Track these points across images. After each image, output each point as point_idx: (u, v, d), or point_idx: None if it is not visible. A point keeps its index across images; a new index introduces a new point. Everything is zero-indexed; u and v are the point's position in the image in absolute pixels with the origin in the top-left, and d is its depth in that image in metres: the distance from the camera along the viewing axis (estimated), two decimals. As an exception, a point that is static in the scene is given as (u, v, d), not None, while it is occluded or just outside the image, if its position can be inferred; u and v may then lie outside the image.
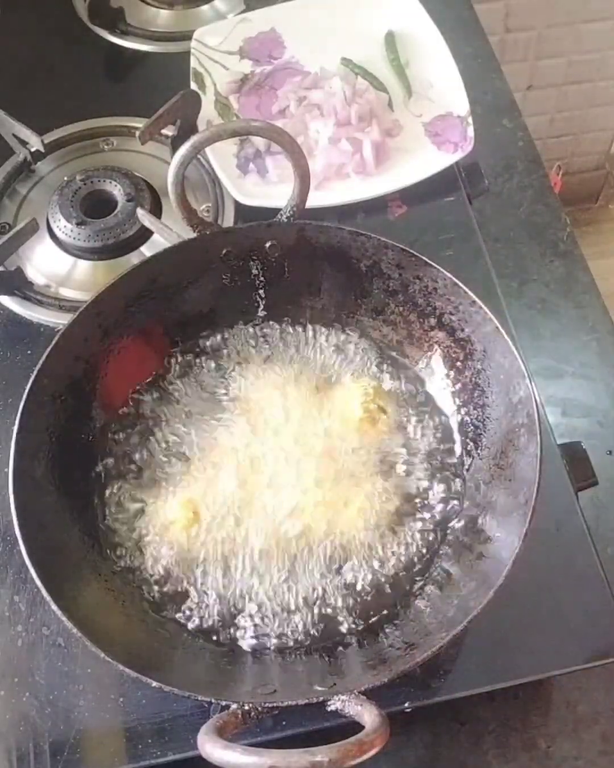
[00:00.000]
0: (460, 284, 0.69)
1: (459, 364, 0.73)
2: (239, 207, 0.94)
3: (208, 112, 0.98)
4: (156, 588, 0.68)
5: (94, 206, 0.92)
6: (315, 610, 0.67)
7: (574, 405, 0.94)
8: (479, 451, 0.71)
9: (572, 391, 0.95)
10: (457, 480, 0.72)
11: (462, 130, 0.95)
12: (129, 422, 0.75)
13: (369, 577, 0.68)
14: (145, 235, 0.92)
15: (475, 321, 0.69)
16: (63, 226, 0.91)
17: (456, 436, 0.73)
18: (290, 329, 0.79)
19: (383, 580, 0.68)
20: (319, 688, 0.58)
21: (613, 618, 0.70)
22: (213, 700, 0.56)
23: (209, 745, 0.48)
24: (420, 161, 0.94)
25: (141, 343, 0.76)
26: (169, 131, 0.95)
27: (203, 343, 0.79)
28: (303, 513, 0.69)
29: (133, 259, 0.91)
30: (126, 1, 1.13)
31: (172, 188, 0.69)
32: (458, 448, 0.73)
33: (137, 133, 0.91)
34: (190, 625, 0.67)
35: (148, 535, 0.70)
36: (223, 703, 0.54)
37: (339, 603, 0.67)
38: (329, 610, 0.67)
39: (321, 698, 0.54)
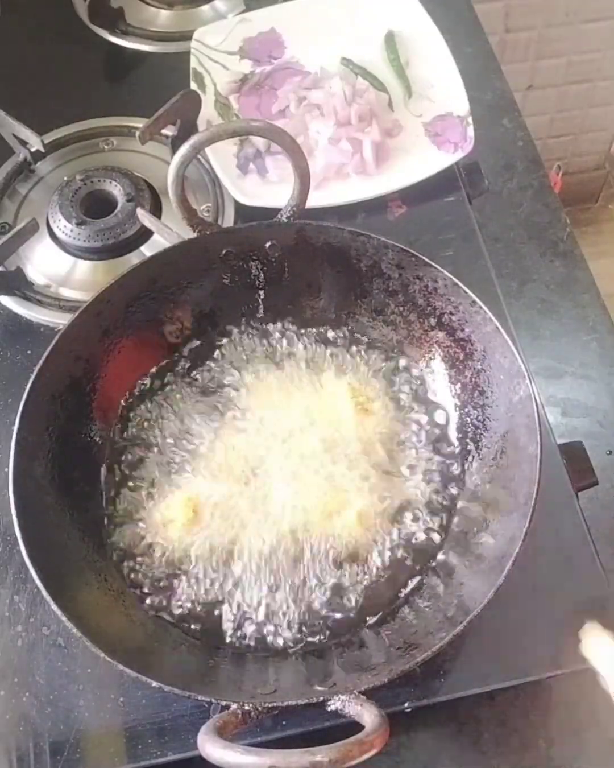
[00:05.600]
0: (460, 284, 0.69)
1: (459, 364, 0.73)
2: (239, 207, 0.94)
3: (208, 112, 0.98)
4: (156, 588, 0.68)
5: (94, 206, 0.92)
6: (316, 611, 0.67)
7: (574, 405, 0.94)
8: (479, 451, 0.71)
9: (572, 391, 0.95)
10: (457, 480, 0.72)
11: (462, 130, 0.95)
12: (129, 422, 0.75)
13: (369, 577, 0.68)
14: (145, 235, 0.92)
15: (475, 321, 0.69)
16: (63, 226, 0.91)
17: (456, 436, 0.73)
18: (290, 329, 0.79)
19: (383, 580, 0.68)
20: (319, 688, 0.58)
21: (613, 618, 0.70)
22: (213, 700, 0.56)
23: (209, 745, 0.48)
24: (420, 161, 0.94)
25: (141, 343, 0.76)
26: (169, 131, 0.95)
27: (203, 343, 0.79)
28: (303, 513, 0.69)
29: (133, 259, 0.91)
30: (126, 1, 1.13)
31: (172, 188, 0.69)
32: (458, 448, 0.73)
33: (137, 133, 0.91)
34: (190, 625, 0.67)
35: (148, 534, 0.70)
36: (223, 703, 0.54)
37: (339, 603, 0.67)
38: (329, 610, 0.67)
39: (321, 698, 0.54)
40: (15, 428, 0.64)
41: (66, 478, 0.68)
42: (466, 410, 0.73)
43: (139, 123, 0.95)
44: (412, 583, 0.68)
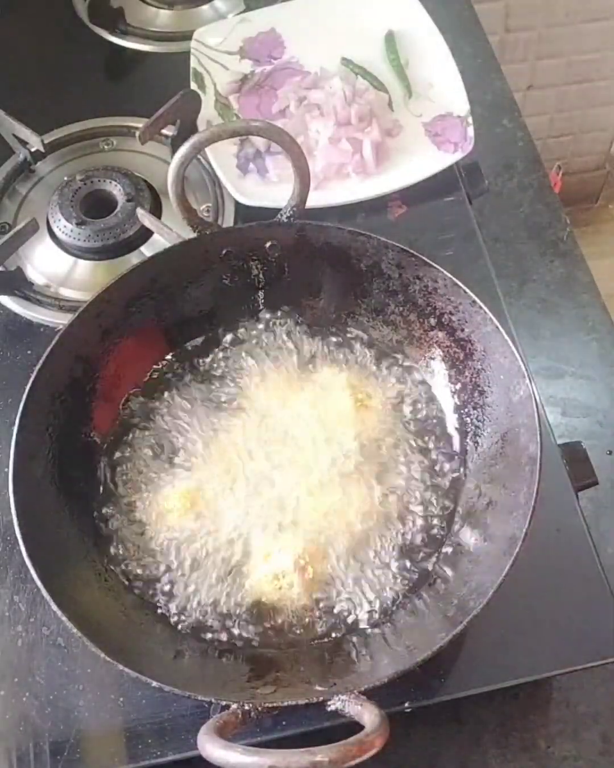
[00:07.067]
0: (460, 284, 0.69)
1: (459, 364, 0.73)
2: (239, 207, 0.94)
3: (208, 112, 0.98)
4: (156, 587, 0.68)
5: (94, 206, 0.92)
6: (315, 610, 0.67)
7: (574, 405, 0.94)
8: (479, 451, 0.71)
9: (572, 391, 0.95)
10: (456, 480, 0.72)
11: (462, 130, 0.95)
12: (129, 421, 0.75)
13: (369, 576, 0.68)
14: (145, 235, 0.92)
15: (475, 321, 0.69)
16: (63, 226, 0.91)
17: (456, 436, 0.73)
18: (290, 329, 0.79)
19: (382, 579, 0.68)
20: (319, 688, 0.58)
21: (613, 618, 0.70)
22: (213, 700, 0.56)
23: (209, 745, 0.48)
24: (420, 161, 0.94)
25: (141, 342, 0.76)
26: (169, 131, 0.95)
27: (203, 342, 0.79)
28: (302, 509, 0.69)
29: (133, 259, 0.91)
30: (126, 1, 1.13)
31: (172, 188, 0.69)
32: (457, 448, 0.73)
33: (137, 133, 0.91)
34: (190, 624, 0.67)
35: (148, 533, 0.70)
36: (223, 703, 0.54)
37: (339, 602, 0.67)
38: (329, 610, 0.67)
39: (321, 698, 0.54)
40: (15, 428, 0.64)
41: (66, 478, 0.68)
42: (466, 410, 0.73)
43: (139, 123, 0.95)
44: (412, 583, 0.68)
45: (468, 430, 0.72)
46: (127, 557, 0.70)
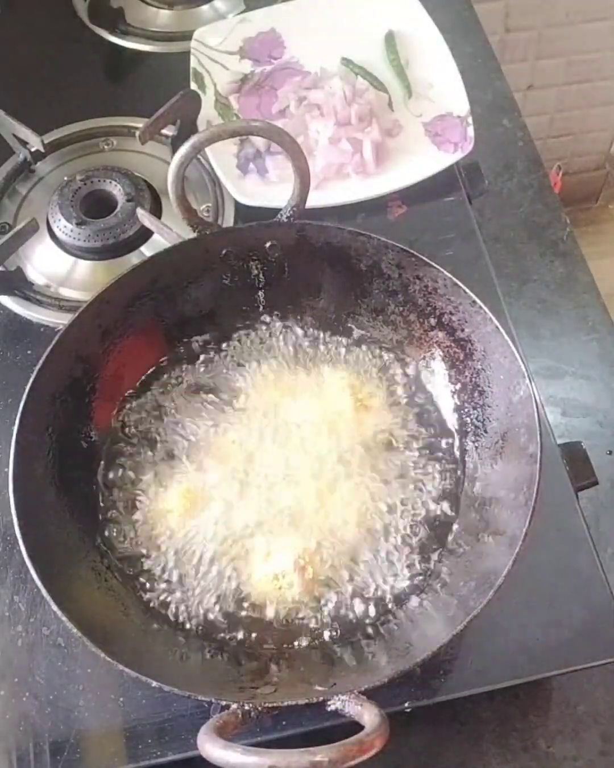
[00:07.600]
0: (460, 284, 0.69)
1: (459, 364, 0.73)
2: (239, 207, 0.94)
3: (208, 112, 0.98)
4: (155, 587, 0.68)
5: (94, 206, 0.92)
6: (315, 610, 0.67)
7: (574, 405, 0.94)
8: (479, 451, 0.71)
9: (572, 391, 0.95)
10: (456, 480, 0.72)
11: (462, 130, 0.95)
12: (129, 421, 0.75)
13: (369, 576, 0.68)
14: (145, 235, 0.92)
15: (475, 321, 0.69)
16: (63, 226, 0.91)
17: (456, 436, 0.73)
18: (290, 329, 0.79)
19: (382, 579, 0.68)
20: (319, 688, 0.58)
21: (613, 618, 0.70)
22: (213, 700, 0.56)
23: (209, 745, 0.48)
24: (420, 161, 0.94)
25: (141, 342, 0.76)
26: (169, 131, 0.95)
27: (203, 342, 0.79)
28: (301, 509, 0.69)
29: (133, 259, 0.91)
30: (126, 1, 1.13)
31: (172, 188, 0.69)
32: (457, 448, 0.73)
33: (137, 133, 0.91)
34: (190, 624, 0.67)
35: (148, 533, 0.70)
36: (223, 703, 0.54)
37: (339, 602, 0.67)
38: (329, 609, 0.67)
39: (321, 698, 0.54)
40: (15, 428, 0.64)
41: (66, 478, 0.68)
42: (466, 410, 0.73)
43: (139, 123, 0.95)
44: (412, 583, 0.68)
45: (468, 430, 0.72)
46: (127, 557, 0.70)
